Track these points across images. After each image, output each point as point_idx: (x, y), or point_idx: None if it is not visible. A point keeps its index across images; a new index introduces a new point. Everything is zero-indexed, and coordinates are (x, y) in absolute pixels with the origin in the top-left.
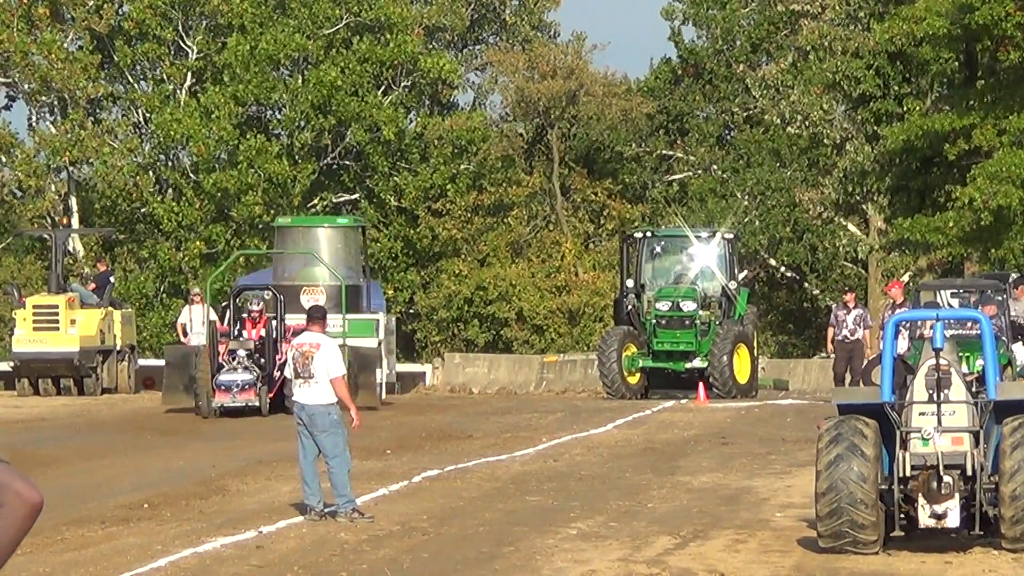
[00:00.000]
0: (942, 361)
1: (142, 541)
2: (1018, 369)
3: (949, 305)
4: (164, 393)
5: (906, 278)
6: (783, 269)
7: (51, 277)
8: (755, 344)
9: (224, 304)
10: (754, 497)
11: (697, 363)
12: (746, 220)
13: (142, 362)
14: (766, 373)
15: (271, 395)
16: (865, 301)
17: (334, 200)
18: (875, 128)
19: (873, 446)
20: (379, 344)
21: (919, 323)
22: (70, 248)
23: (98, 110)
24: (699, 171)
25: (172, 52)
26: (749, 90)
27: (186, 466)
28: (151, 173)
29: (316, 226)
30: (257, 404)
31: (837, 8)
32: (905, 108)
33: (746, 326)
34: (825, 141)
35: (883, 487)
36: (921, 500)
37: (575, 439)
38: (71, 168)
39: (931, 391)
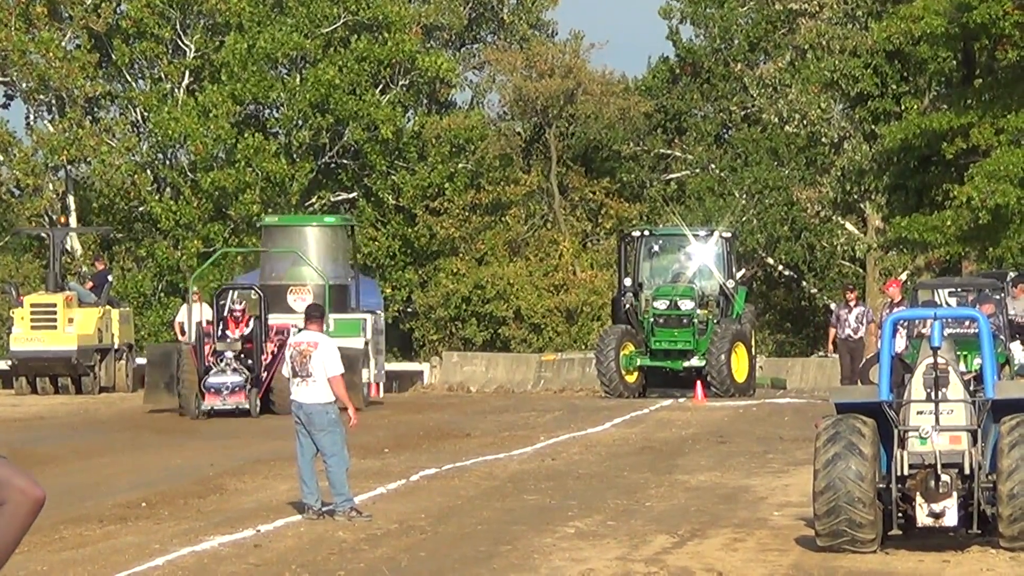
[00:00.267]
0: (940, 360)
1: (140, 540)
2: (1016, 368)
3: (947, 304)
4: (146, 392)
5: (904, 277)
6: (781, 268)
7: (49, 276)
8: (753, 343)
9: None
10: (752, 496)
11: (695, 362)
12: (744, 219)
13: (140, 361)
14: (764, 372)
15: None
16: (863, 300)
17: (332, 199)
18: (873, 127)
19: (871, 445)
20: (365, 344)
21: (917, 322)
22: (68, 247)
23: (96, 109)
24: (697, 170)
25: (170, 51)
26: (747, 89)
27: (184, 465)
28: (149, 172)
29: (303, 225)
30: (247, 407)
31: (835, 7)
32: (903, 107)
33: (744, 325)
34: (823, 140)
35: (881, 486)
36: (919, 499)
37: (573, 438)
38: (69, 167)
39: (929, 390)
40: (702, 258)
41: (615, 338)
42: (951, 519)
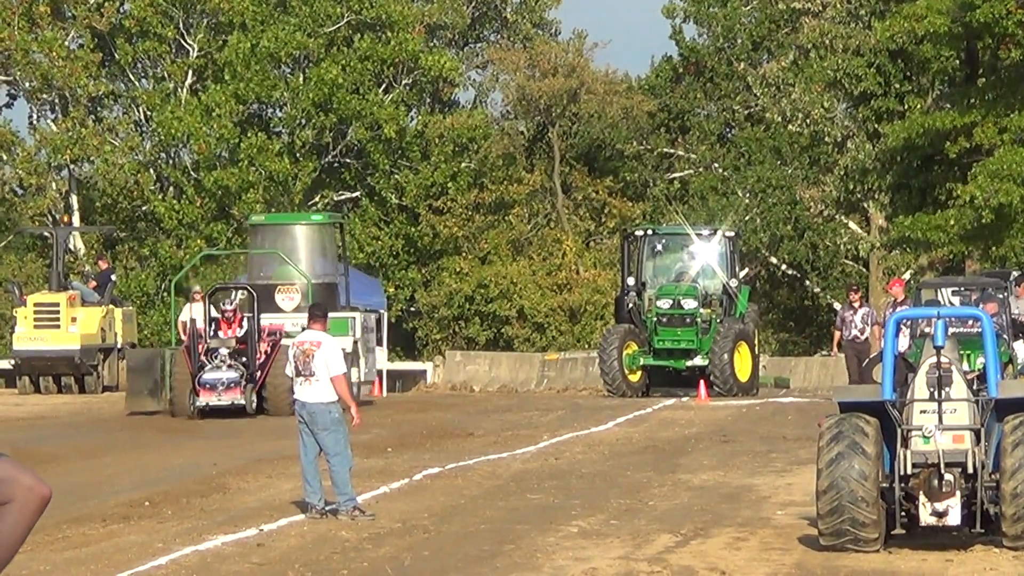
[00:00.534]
0: (943, 359)
1: (143, 539)
2: (1019, 367)
3: (950, 303)
4: (127, 397)
5: (907, 276)
6: (784, 267)
7: (52, 275)
8: (756, 342)
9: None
10: (755, 495)
11: (698, 361)
12: (747, 218)
13: None
14: (767, 371)
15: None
16: (866, 299)
17: (335, 198)
18: (876, 126)
19: (874, 444)
20: (355, 343)
21: (920, 321)
22: (71, 246)
23: (99, 108)
24: (700, 169)
25: (173, 50)
26: (750, 88)
27: (187, 464)
28: (152, 171)
29: (290, 223)
30: (243, 403)
31: (838, 6)
32: (906, 106)
33: (747, 324)
34: (826, 139)
35: (884, 485)
36: (922, 498)
37: (576, 437)
38: (72, 166)
39: (932, 389)
40: (705, 257)
41: (618, 337)
42: (954, 518)
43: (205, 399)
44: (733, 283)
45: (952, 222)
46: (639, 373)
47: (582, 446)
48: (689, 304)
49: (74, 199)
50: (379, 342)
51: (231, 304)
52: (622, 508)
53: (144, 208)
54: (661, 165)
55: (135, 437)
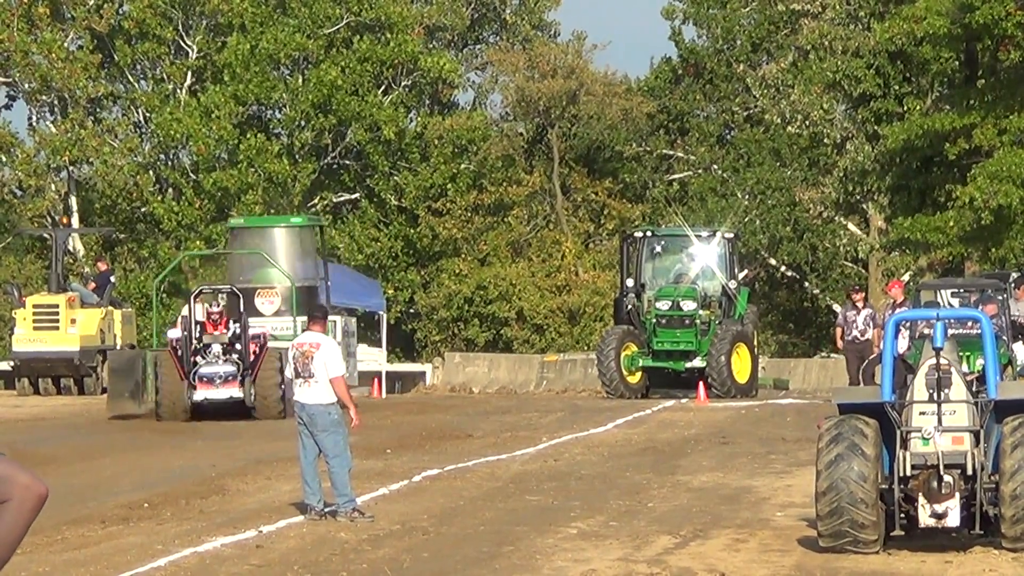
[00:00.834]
0: (942, 360)
1: (142, 540)
2: (1018, 368)
3: (949, 304)
4: (109, 400)
5: (906, 277)
6: (783, 268)
7: (51, 276)
8: (755, 343)
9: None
10: (754, 496)
11: (697, 363)
12: (746, 219)
13: None
14: (766, 372)
15: None
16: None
17: (334, 199)
18: (875, 127)
19: (873, 445)
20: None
21: (919, 322)
22: (70, 247)
23: (98, 109)
24: (699, 170)
25: (172, 51)
26: (749, 89)
27: (186, 466)
28: (151, 172)
29: (270, 226)
30: (241, 396)
31: (837, 7)
32: (905, 107)
33: (746, 326)
34: (825, 140)
35: (883, 486)
36: (921, 499)
37: (575, 438)
38: (71, 167)
39: (931, 390)
40: (704, 259)
41: (616, 339)
42: (954, 520)
43: (203, 392)
44: (732, 284)
45: (951, 223)
46: (638, 374)
47: (581, 447)
48: (688, 306)
49: (73, 200)
50: (378, 344)
51: (218, 306)
52: (621, 509)
53: (143, 209)
54: (660, 167)
55: (134, 439)
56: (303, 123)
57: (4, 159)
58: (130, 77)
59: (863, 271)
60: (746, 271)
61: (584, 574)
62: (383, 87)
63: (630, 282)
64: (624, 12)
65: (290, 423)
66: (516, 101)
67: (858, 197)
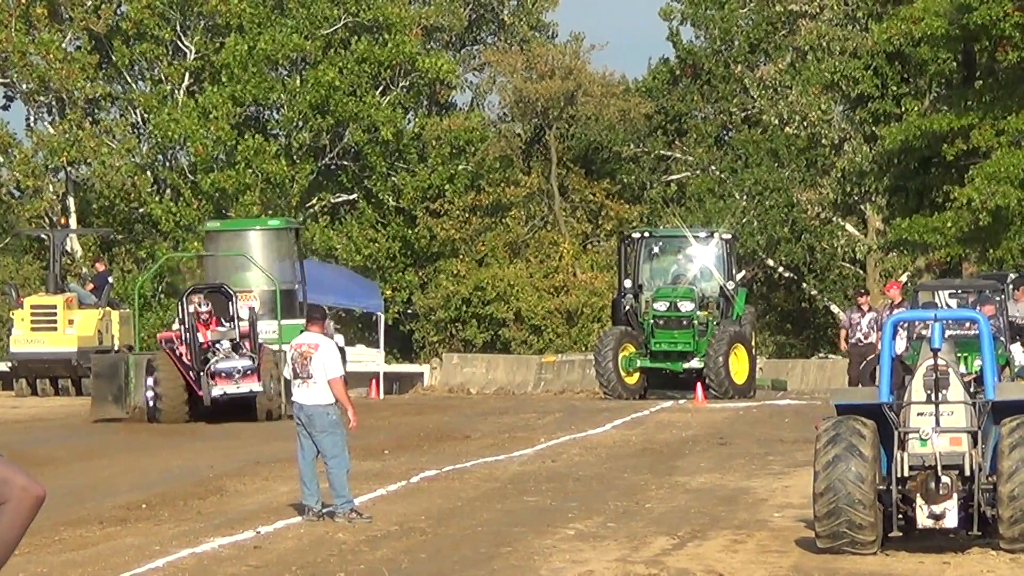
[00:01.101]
0: (940, 361)
1: (140, 541)
2: (1016, 369)
3: (947, 305)
4: (92, 403)
5: (904, 278)
6: (781, 269)
7: (49, 277)
8: (753, 344)
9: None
10: (752, 497)
11: (695, 363)
12: (744, 220)
13: None
14: (764, 373)
15: None
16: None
17: (332, 200)
18: (873, 128)
19: (871, 446)
20: None
21: (917, 323)
22: (68, 248)
23: (96, 110)
24: (697, 171)
25: (170, 52)
26: (747, 90)
27: (184, 466)
28: (149, 173)
29: (246, 229)
30: (260, 389)
31: (835, 8)
32: (903, 108)
33: (744, 326)
34: (823, 141)
35: (881, 487)
36: (919, 500)
37: (573, 439)
38: (69, 168)
39: (929, 391)
40: (702, 260)
41: (614, 339)
42: (951, 521)
43: (222, 387)
44: (730, 285)
45: (949, 224)
46: (636, 375)
47: (579, 448)
48: (686, 306)
49: (71, 201)
50: (376, 344)
51: (206, 305)
52: (619, 510)
53: (141, 210)
54: (658, 167)
55: (132, 439)
56: (301, 124)
57: (2, 160)
58: (128, 78)
59: (861, 272)
60: (744, 272)
61: (582, 575)
62: (381, 88)
63: (628, 283)
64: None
65: (287, 424)
66: (514, 102)
67: (856, 198)
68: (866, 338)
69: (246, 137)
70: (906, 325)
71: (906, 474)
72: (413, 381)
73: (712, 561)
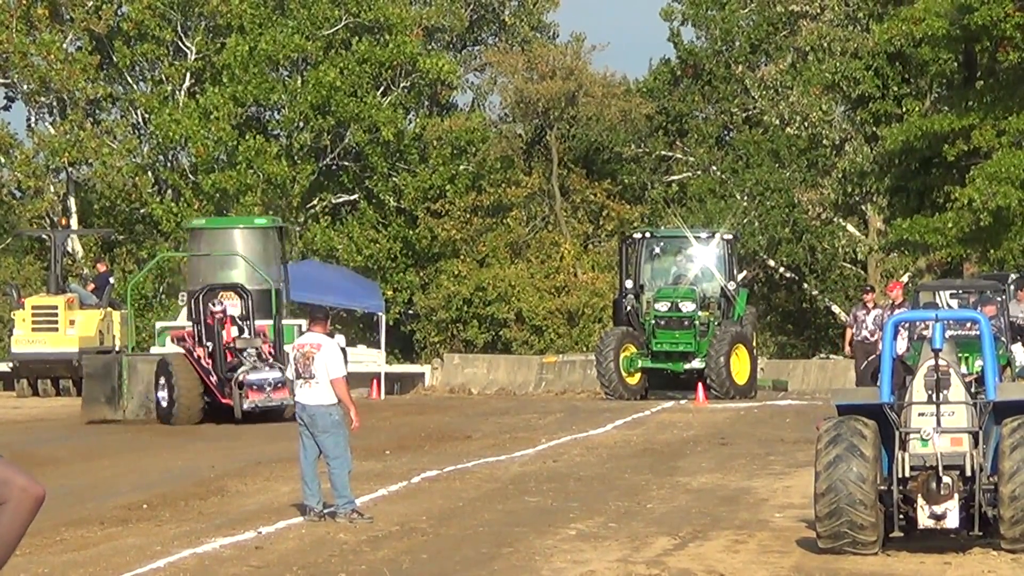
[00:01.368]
0: (941, 362)
1: (141, 542)
2: (1017, 370)
3: (948, 306)
4: (84, 405)
5: (905, 279)
6: (782, 270)
7: (50, 278)
8: (754, 345)
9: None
10: (753, 498)
11: (696, 364)
12: (745, 221)
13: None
14: (765, 374)
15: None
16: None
17: (333, 201)
18: (874, 129)
19: (872, 447)
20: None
21: (918, 324)
22: (69, 249)
23: (97, 111)
24: (698, 172)
25: (171, 53)
26: (748, 91)
27: (185, 467)
28: (150, 174)
29: (231, 227)
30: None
31: (836, 9)
32: (904, 109)
33: (745, 327)
34: (824, 142)
35: (882, 488)
36: (920, 501)
37: (574, 440)
38: (70, 169)
39: (930, 392)
40: (703, 260)
41: (615, 340)
42: (952, 521)
43: (254, 400)
44: (731, 286)
45: (950, 225)
46: (637, 376)
47: (580, 449)
48: (687, 307)
49: (72, 202)
50: (377, 345)
51: (221, 305)
52: (620, 511)
53: (142, 211)
54: (659, 168)
55: (133, 440)
56: (302, 124)
57: (3, 160)
58: (129, 78)
59: (862, 272)
60: (745, 272)
61: (583, 575)
62: (382, 88)
63: (629, 283)
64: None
65: (288, 425)
66: (515, 102)
67: (857, 198)
68: (872, 336)
69: (247, 138)
70: (907, 325)
71: (907, 474)
72: (414, 381)
73: (713, 561)
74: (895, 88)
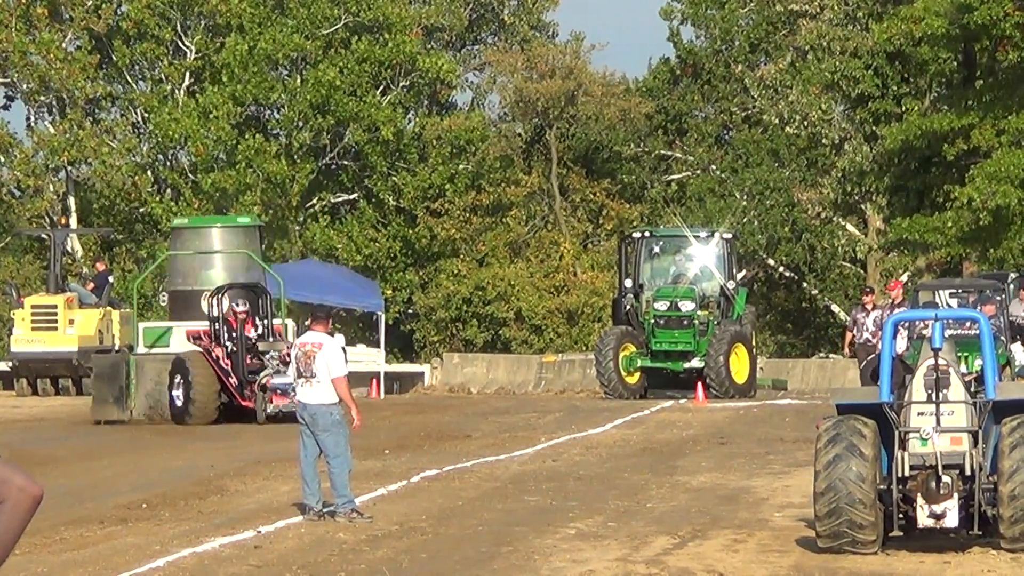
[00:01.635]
0: (941, 361)
1: (141, 541)
2: (1016, 369)
3: (948, 305)
4: (93, 405)
5: (905, 278)
6: (782, 269)
7: (50, 277)
8: (753, 344)
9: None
10: (753, 497)
11: (695, 363)
12: (745, 220)
13: None
14: (765, 373)
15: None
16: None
17: (332, 200)
18: (874, 128)
19: (872, 446)
20: None
21: (918, 323)
22: (69, 248)
23: (96, 110)
24: (698, 171)
25: (170, 52)
26: (748, 90)
27: (185, 466)
28: (149, 173)
29: (212, 226)
30: None
31: (836, 8)
32: (904, 108)
33: (744, 326)
34: (824, 141)
35: (882, 487)
36: (920, 500)
37: (574, 439)
38: (70, 168)
39: (930, 391)
40: (703, 259)
41: (614, 339)
42: (952, 520)
43: (278, 404)
44: (731, 285)
45: (950, 224)
46: (637, 375)
47: (580, 448)
48: (686, 306)
49: (71, 201)
50: (376, 344)
51: (243, 304)
52: (620, 510)
53: (142, 210)
54: (659, 167)
55: (133, 439)
56: (301, 123)
57: (2, 159)
58: (128, 78)
59: (861, 271)
60: (744, 271)
61: (583, 575)
62: (381, 87)
63: (628, 283)
64: (622, 13)
65: (288, 424)
66: (514, 102)
67: (856, 198)
68: (873, 337)
69: (246, 137)
70: (907, 325)
71: (907, 473)
72: (414, 381)
73: (713, 560)
74: (894, 87)
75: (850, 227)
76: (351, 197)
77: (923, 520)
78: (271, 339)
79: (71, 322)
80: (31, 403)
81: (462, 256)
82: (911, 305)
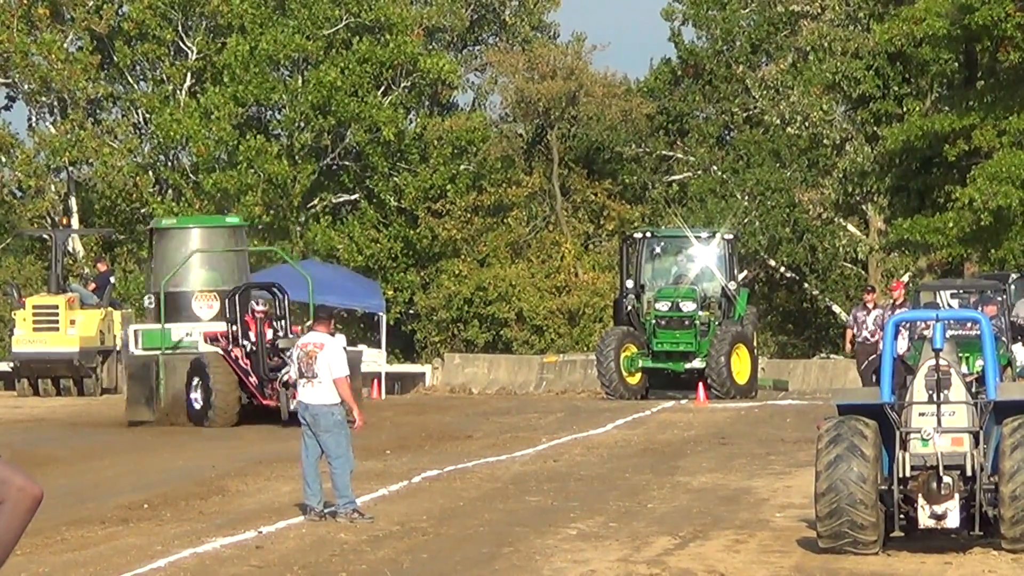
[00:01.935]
0: (942, 362)
1: (142, 541)
2: (1018, 370)
3: (949, 306)
4: (128, 405)
5: (906, 278)
6: (783, 269)
7: (51, 277)
8: (755, 344)
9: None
10: (754, 497)
11: (697, 364)
12: (746, 221)
13: None
14: (766, 373)
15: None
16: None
17: (333, 200)
18: (875, 129)
19: (873, 447)
20: None
21: (919, 323)
22: (70, 248)
23: (98, 110)
24: (699, 172)
25: (172, 52)
26: (749, 91)
27: (186, 466)
28: (151, 173)
29: (197, 226)
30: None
31: (837, 9)
32: (905, 109)
33: (745, 326)
34: (825, 142)
35: (883, 487)
36: (921, 500)
37: (575, 439)
38: (71, 168)
39: (931, 391)
40: (704, 260)
41: (615, 339)
42: (953, 521)
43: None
44: (732, 285)
45: (951, 225)
46: (638, 375)
47: (581, 448)
48: (688, 306)
49: (73, 201)
50: (378, 344)
51: (262, 304)
52: (621, 510)
53: (143, 210)
54: (660, 168)
55: (134, 439)
56: (302, 124)
57: (4, 160)
58: (130, 78)
59: (863, 272)
60: (745, 272)
61: (583, 575)
62: (383, 88)
63: (630, 283)
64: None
65: (289, 425)
66: (515, 102)
67: (857, 198)
68: (873, 336)
69: (248, 137)
70: (908, 325)
71: (908, 474)
72: (415, 381)
73: (714, 561)
74: (896, 88)
75: (851, 228)
76: (352, 198)
77: (924, 521)
78: (289, 338)
79: (72, 322)
80: (32, 403)
81: (463, 256)
82: (912, 305)
